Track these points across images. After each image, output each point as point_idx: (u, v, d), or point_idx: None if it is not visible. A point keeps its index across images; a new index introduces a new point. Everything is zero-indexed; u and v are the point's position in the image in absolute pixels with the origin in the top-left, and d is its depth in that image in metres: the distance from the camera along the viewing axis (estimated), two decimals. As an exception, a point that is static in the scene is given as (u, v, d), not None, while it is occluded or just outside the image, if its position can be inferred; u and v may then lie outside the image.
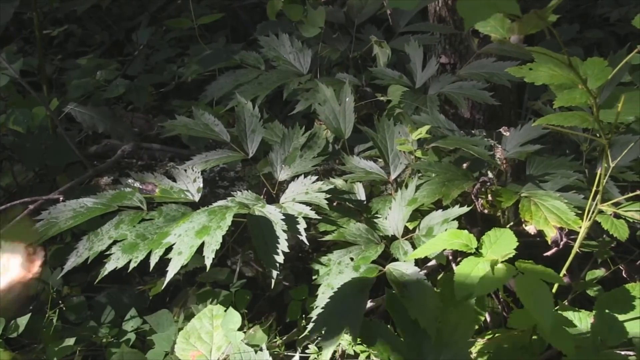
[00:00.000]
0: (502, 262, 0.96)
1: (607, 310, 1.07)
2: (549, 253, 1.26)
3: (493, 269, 0.95)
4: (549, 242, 1.10)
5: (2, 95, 2.06)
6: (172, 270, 1.08)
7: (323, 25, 1.75)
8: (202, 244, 1.08)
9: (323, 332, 1.03)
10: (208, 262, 1.06)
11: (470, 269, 0.96)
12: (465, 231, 1.04)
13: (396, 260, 1.17)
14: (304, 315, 1.52)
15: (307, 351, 1.30)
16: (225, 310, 1.31)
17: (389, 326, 1.15)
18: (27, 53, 2.82)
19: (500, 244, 0.99)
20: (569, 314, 1.10)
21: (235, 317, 1.27)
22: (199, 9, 2.78)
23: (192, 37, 2.57)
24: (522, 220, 1.10)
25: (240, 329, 1.26)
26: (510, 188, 1.21)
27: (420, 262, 1.36)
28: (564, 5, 2.69)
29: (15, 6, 2.13)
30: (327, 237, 1.22)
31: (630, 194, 1.12)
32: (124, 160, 1.93)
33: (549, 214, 1.08)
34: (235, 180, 1.78)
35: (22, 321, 1.42)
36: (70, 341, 1.39)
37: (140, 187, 1.25)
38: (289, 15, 1.77)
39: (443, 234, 1.04)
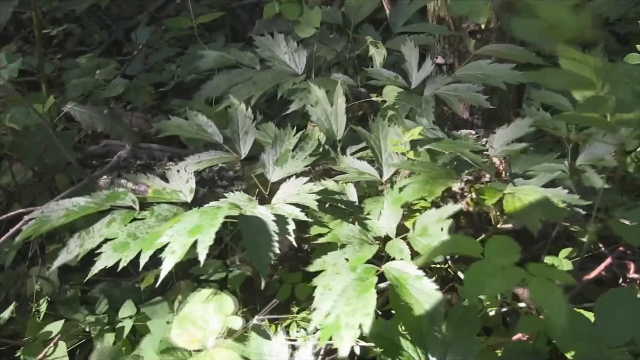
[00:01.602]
0: (511, 264, 0.95)
1: (608, 310, 1.04)
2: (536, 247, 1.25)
3: (502, 271, 0.94)
4: (535, 236, 1.08)
5: (1, 95, 2.07)
6: (166, 268, 1.07)
7: (319, 25, 1.75)
8: (195, 242, 1.07)
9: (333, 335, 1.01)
10: (201, 257, 1.05)
11: (480, 271, 0.96)
12: (470, 237, 1.03)
13: (392, 259, 1.16)
14: (293, 302, 1.53)
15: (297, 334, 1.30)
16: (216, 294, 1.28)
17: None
18: (27, 52, 2.83)
19: (504, 249, 0.98)
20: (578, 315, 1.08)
21: (227, 301, 1.24)
22: (198, 8, 2.78)
23: (192, 36, 2.57)
24: (505, 216, 1.08)
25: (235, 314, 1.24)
26: (495, 186, 1.21)
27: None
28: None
29: (14, 6, 2.13)
30: (321, 240, 1.21)
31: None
32: (121, 162, 1.93)
33: (534, 209, 1.07)
34: (234, 179, 1.77)
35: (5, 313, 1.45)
36: (53, 327, 1.40)
37: (133, 187, 1.26)
38: (286, 15, 1.77)
39: (447, 240, 1.04)
